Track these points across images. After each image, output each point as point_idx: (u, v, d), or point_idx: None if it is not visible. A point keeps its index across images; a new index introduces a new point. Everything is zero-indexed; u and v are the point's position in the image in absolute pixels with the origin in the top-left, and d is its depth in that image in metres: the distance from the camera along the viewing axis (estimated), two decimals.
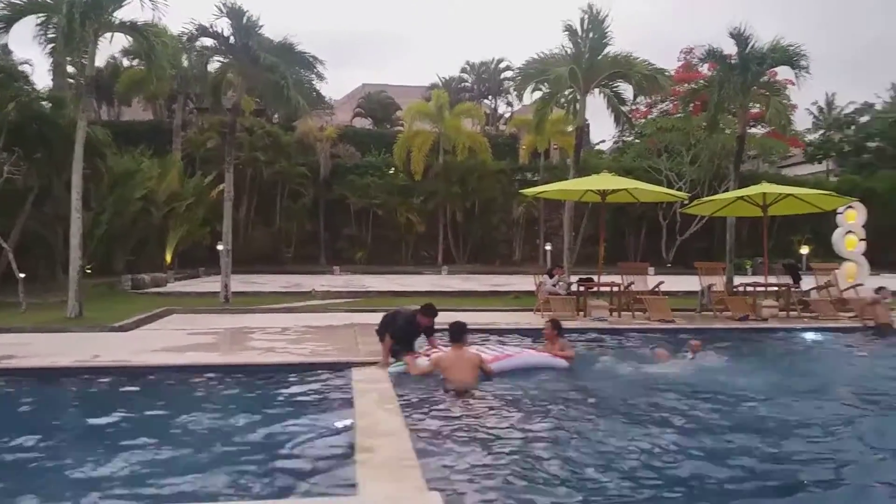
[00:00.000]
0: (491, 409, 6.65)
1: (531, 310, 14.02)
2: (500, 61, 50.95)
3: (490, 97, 52.67)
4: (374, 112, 42.03)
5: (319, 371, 7.89)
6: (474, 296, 17.47)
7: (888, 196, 31.69)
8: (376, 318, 9.11)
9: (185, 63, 22.01)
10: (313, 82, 16.36)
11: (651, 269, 20.71)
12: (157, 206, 21.36)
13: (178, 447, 5.25)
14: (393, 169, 31.09)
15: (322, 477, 4.61)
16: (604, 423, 6.14)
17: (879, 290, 13.16)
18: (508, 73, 46.88)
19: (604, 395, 7.35)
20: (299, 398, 6.92)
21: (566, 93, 17.92)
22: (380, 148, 32.96)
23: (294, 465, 4.87)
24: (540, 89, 17.93)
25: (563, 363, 8.52)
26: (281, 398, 6.93)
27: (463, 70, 52.53)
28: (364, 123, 41.09)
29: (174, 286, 19.67)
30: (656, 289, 14.19)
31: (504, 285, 19.69)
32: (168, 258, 22.98)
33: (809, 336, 12.18)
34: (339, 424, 5.76)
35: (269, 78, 15.36)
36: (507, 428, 5.92)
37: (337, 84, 73.58)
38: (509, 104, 50.29)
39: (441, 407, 6.69)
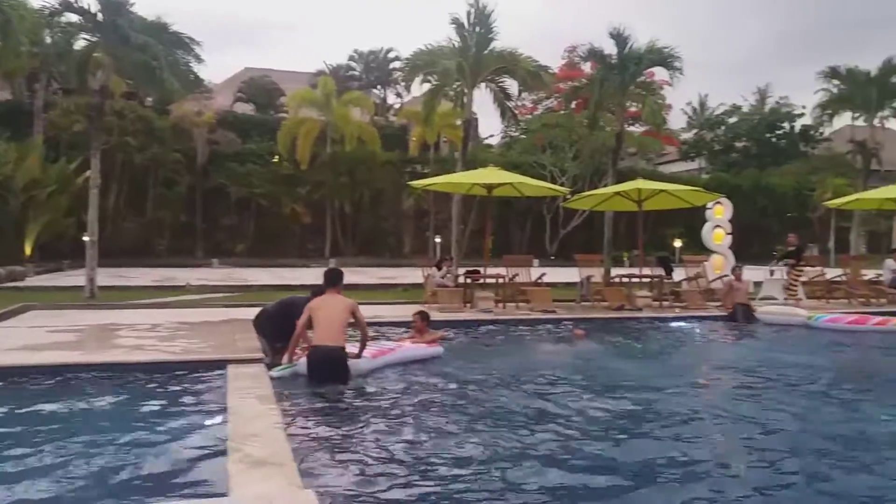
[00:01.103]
0: (369, 404, 6.54)
1: (419, 302, 13.97)
2: (389, 51, 50.54)
3: (379, 87, 52.15)
4: (256, 97, 40.53)
5: (192, 369, 7.46)
6: (362, 289, 17.22)
7: (752, 193, 34.18)
8: (256, 313, 8.69)
9: (48, 39, 20.27)
10: (190, 64, 15.53)
11: (535, 262, 21.26)
12: (13, 194, 19.61)
13: (36, 453, 4.80)
14: (277, 157, 30.13)
15: (193, 478, 4.41)
16: (479, 415, 6.17)
17: (735, 268, 14.19)
18: (397, 64, 46.58)
19: (482, 386, 7.38)
20: (169, 398, 6.51)
21: (454, 86, 17.99)
22: (263, 135, 31.88)
23: (163, 467, 4.61)
24: (429, 81, 17.91)
25: (438, 351, 8.75)
26: (149, 399, 6.49)
27: (351, 58, 51.67)
28: (246, 109, 39.56)
29: (34, 280, 18.15)
30: (539, 280, 14.54)
31: (393, 278, 19.57)
32: (28, 250, 21.18)
33: (679, 324, 12.87)
34: (212, 424, 5.52)
35: (140, 58, 14.39)
36: (385, 424, 5.82)
37: (218, 67, 70.47)
38: (399, 95, 49.99)
39: (319, 405, 6.52)
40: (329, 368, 7.03)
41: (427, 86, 18.27)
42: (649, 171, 35.31)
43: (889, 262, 16.44)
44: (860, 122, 29.38)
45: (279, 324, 7.83)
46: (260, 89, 40.83)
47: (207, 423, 5.58)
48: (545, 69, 16.95)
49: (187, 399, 6.53)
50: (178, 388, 6.90)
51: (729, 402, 6.98)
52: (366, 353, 7.68)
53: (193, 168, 28.58)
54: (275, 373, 7.12)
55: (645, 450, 5.31)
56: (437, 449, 5.13)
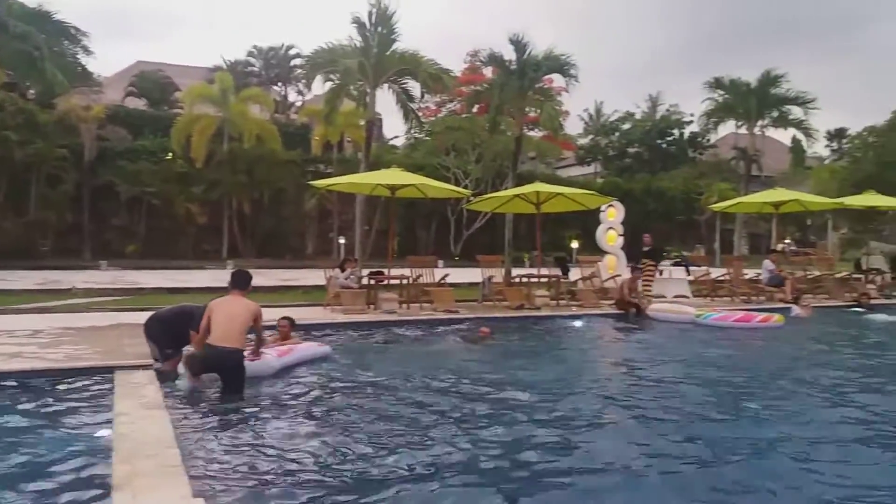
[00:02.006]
0: (263, 410, 6.40)
1: (321, 304, 13.81)
2: (290, 48, 49.56)
3: (280, 84, 51.05)
4: (149, 92, 38.72)
5: (77, 377, 7.09)
6: (261, 291, 16.68)
7: (644, 196, 35.78)
8: (146, 317, 8.31)
9: None
10: (77, 56, 14.67)
11: (440, 262, 21.43)
12: None
13: None
14: (171, 155, 28.82)
15: (75, 491, 4.21)
16: (374, 415, 6.19)
17: (634, 268, 14.88)
18: (298, 61, 45.74)
19: (378, 388, 7.38)
20: (51, 408, 6.16)
21: (356, 85, 17.89)
22: (156, 131, 30.44)
23: (46, 481, 4.39)
24: (331, 79, 17.71)
25: (327, 349, 8.84)
26: (30, 409, 6.11)
27: (250, 54, 50.29)
28: (138, 104, 37.74)
29: None
30: (442, 281, 14.68)
31: (294, 280, 19.17)
32: None
33: (575, 322, 13.34)
34: (98, 434, 5.29)
35: (20, 48, 13.46)
36: (279, 430, 5.72)
37: (108, 60, 67.01)
38: (300, 93, 49.14)
39: (211, 412, 6.34)
40: (224, 372, 6.76)
41: (329, 84, 18.07)
42: (549, 174, 36.36)
43: (766, 262, 17.65)
44: (743, 131, 31.39)
45: (172, 330, 7.51)
46: (153, 84, 39.03)
47: (94, 433, 5.35)
48: (447, 72, 17.15)
49: (70, 408, 6.20)
50: (61, 397, 6.56)
51: (617, 395, 7.31)
52: (271, 352, 7.55)
53: (80, 165, 26.93)
54: (178, 381, 6.87)
55: (546, 446, 5.49)
56: (333, 454, 5.09)
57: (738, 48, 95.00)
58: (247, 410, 6.38)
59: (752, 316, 12.88)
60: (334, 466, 4.83)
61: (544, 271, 16.34)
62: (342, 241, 27.21)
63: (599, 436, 5.85)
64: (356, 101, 19.58)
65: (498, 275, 16.08)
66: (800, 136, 31.47)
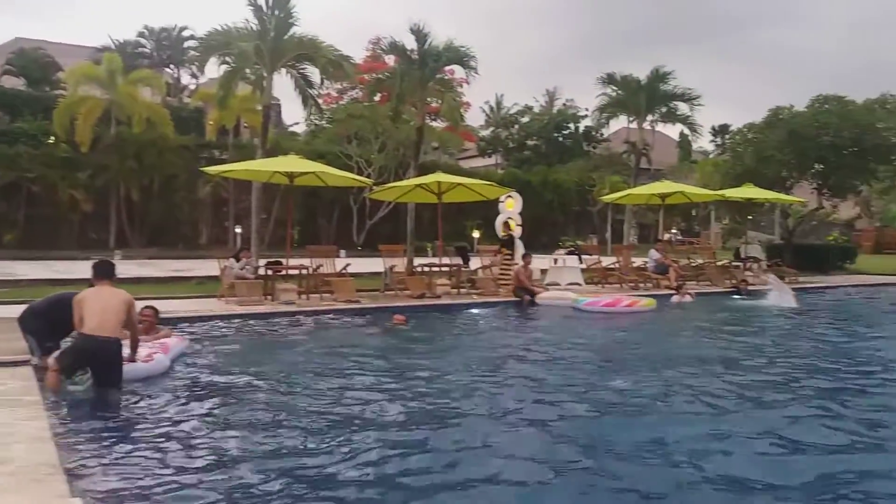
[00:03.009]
0: (143, 408, 6.17)
1: (216, 296, 13.40)
2: (183, 29, 47.36)
3: (172, 66, 48.74)
4: (28, 71, 36.06)
5: None
6: (150, 282, 16.05)
7: (541, 188, 36.71)
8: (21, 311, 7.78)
9: None
10: None
11: (343, 252, 21.21)
12: None
13: None
14: (52, 138, 26.99)
15: None
16: (262, 411, 6.09)
17: (525, 255, 15.34)
18: (192, 43, 43.82)
19: (269, 380, 7.29)
20: None
21: (253, 69, 17.37)
22: (36, 113, 28.42)
23: None
24: (227, 62, 17.12)
25: (187, 343, 8.55)
26: None
27: (140, 34, 47.70)
28: (16, 83, 35.10)
29: None
30: (343, 271, 14.56)
31: (187, 270, 18.42)
32: None
33: (475, 310, 13.62)
34: None
35: None
36: (160, 428, 5.53)
37: None
38: (194, 76, 47.01)
39: (91, 410, 6.07)
40: (101, 364, 6.37)
41: (224, 68, 17.45)
42: (451, 165, 36.67)
43: (652, 251, 18.56)
44: (633, 126, 32.75)
45: (49, 322, 7.07)
46: (33, 62, 36.34)
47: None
48: (347, 59, 16.92)
49: None
50: None
51: (507, 376, 7.73)
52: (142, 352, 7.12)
53: None
54: (73, 386, 6.44)
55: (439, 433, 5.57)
56: (215, 452, 4.96)
57: (632, 46, 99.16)
58: (128, 407, 6.16)
59: (619, 301, 13.83)
60: (217, 468, 4.70)
61: (446, 260, 16.53)
62: (238, 230, 26.40)
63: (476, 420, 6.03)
64: (253, 85, 19.00)
65: (400, 264, 16.13)
66: (686, 131, 33.25)
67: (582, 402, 6.63)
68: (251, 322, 11.14)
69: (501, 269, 16.17)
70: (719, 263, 20.20)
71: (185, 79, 49.33)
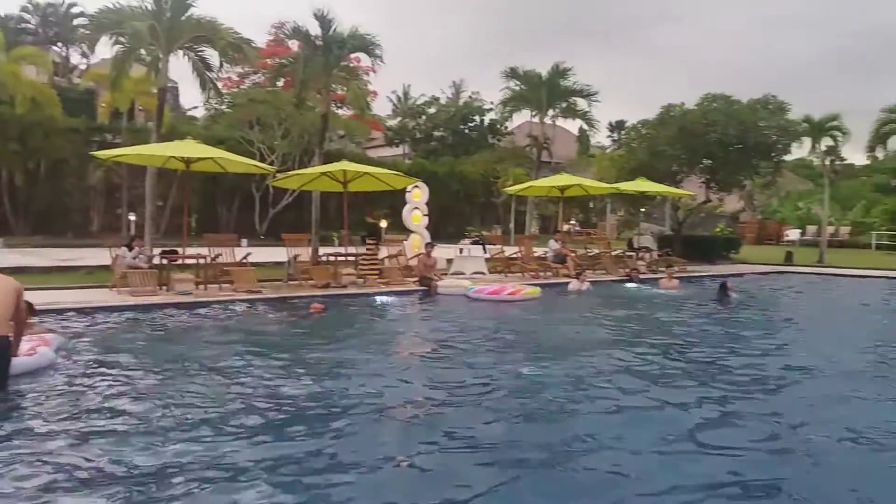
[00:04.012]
0: (31, 407, 5.90)
1: (106, 286, 12.84)
2: (72, 5, 44.71)
3: (60, 44, 45.86)
4: None
5: None
6: (35, 272, 15.13)
7: (447, 179, 37.04)
8: None
9: None
10: None
11: (244, 241, 20.71)
12: None
13: None
14: None
15: None
16: (160, 407, 5.93)
17: (427, 245, 15.55)
18: (82, 21, 41.36)
19: (150, 373, 7.16)
20: None
21: (148, 50, 16.63)
22: None
23: None
24: (120, 42, 16.30)
25: (64, 337, 8.26)
26: None
27: (24, 9, 44.64)
28: None
29: None
30: (243, 260, 14.25)
31: (76, 259, 17.48)
32: None
33: (381, 299, 13.70)
34: None
35: None
36: (50, 428, 5.30)
37: None
38: (85, 55, 44.45)
39: None
40: None
41: (118, 48, 16.60)
42: (358, 153, 36.37)
43: (552, 241, 19.19)
44: (536, 120, 33.55)
45: None
46: None
47: None
48: (248, 42, 16.46)
49: None
50: None
51: (405, 362, 8.10)
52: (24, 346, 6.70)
53: None
54: None
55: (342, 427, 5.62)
56: (108, 453, 4.80)
57: (537, 41, 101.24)
58: (14, 407, 5.86)
59: (503, 289, 14.38)
60: (111, 469, 4.56)
61: (352, 250, 16.47)
62: (132, 217, 25.17)
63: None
64: (148, 66, 18.18)
65: (305, 254, 15.92)
66: (585, 126, 34.39)
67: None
68: (144, 313, 10.77)
69: (365, 258, 16.03)
70: (614, 253, 21.14)
71: (75, 58, 46.52)
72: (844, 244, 36.70)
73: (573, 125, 41.26)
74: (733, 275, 18.80)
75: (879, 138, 26.69)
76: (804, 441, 5.40)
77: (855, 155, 77.70)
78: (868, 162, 44.08)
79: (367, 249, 16.31)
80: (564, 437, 5.39)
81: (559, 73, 29.38)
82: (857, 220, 41.58)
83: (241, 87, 35.16)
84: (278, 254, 16.83)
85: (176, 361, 7.59)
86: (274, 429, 5.35)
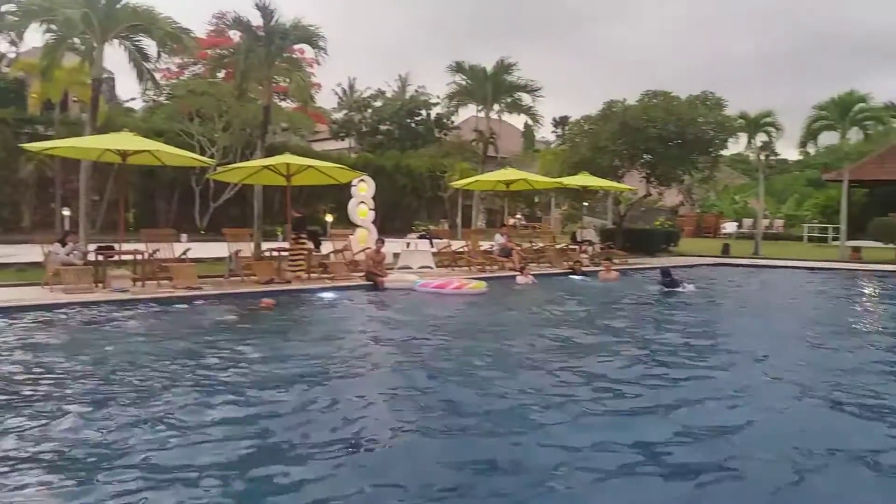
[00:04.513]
0: None
1: (37, 284, 12.36)
2: None
3: None
4: None
5: None
6: None
7: (394, 172, 36.91)
8: None
9: None
10: None
11: (184, 237, 20.23)
12: None
13: None
14: None
15: None
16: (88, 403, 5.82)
17: (377, 240, 15.49)
18: (10, 7, 39.52)
19: (84, 368, 7.06)
20: None
21: (82, 39, 16.03)
22: None
23: None
24: (51, 30, 15.66)
25: None
26: None
27: None
28: None
29: None
30: (183, 256, 13.92)
31: (7, 256, 16.75)
32: None
33: (326, 295, 13.54)
34: None
35: None
36: None
37: None
38: (13, 43, 42.45)
39: None
40: None
41: (49, 36, 15.95)
42: (303, 147, 35.84)
43: (497, 235, 19.36)
44: (482, 114, 33.77)
45: None
46: None
47: None
48: (187, 32, 16.01)
49: None
50: None
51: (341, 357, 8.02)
52: None
53: None
54: None
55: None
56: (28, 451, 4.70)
57: (483, 36, 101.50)
58: None
59: (448, 283, 14.51)
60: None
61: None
62: (66, 212, 24.28)
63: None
64: (82, 56, 17.50)
65: (247, 249, 15.61)
66: (530, 121, 34.80)
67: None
68: (78, 311, 10.43)
69: (293, 253, 15.49)
70: (558, 247, 21.46)
71: (3, 47, 44.34)
72: (779, 236, 38.10)
73: (518, 120, 41.68)
74: (675, 266, 19.31)
75: (811, 134, 27.76)
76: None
77: (788, 150, 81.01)
78: (800, 157, 45.99)
79: (294, 244, 15.65)
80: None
81: (504, 68, 29.62)
82: (790, 213, 43.23)
83: (181, 78, 34.25)
84: (219, 249, 16.48)
85: (104, 362, 7.37)
86: (205, 433, 5.24)
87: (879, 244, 26.20)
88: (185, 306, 11.59)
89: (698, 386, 6.96)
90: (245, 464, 4.55)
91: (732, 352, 8.84)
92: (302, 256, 15.40)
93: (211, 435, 5.05)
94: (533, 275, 16.76)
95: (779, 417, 5.89)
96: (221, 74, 28.70)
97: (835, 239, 31.92)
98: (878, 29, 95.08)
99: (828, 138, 28.94)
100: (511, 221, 28.95)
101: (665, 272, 15.37)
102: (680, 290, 14.92)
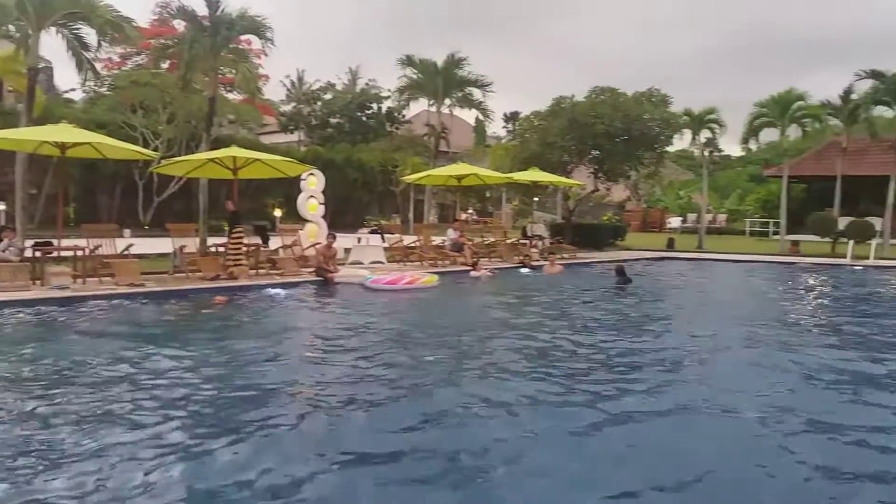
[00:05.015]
0: None
1: None
2: None
3: None
4: None
5: None
6: None
7: (344, 166, 36.58)
8: None
9: None
10: None
11: (127, 232, 19.65)
12: None
13: None
14: None
15: None
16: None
17: (329, 235, 15.36)
18: None
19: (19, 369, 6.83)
20: None
21: (17, 26, 15.39)
22: None
23: None
24: None
25: None
26: None
27: None
28: None
29: None
30: (126, 252, 13.52)
31: None
32: None
33: (274, 291, 13.32)
34: None
35: None
36: None
37: None
38: None
39: None
40: None
41: None
42: (251, 139, 35.19)
43: (450, 230, 19.40)
44: (433, 109, 33.73)
45: None
46: None
47: None
48: (129, 21, 15.51)
49: None
50: None
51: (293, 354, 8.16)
52: None
53: None
54: None
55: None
56: None
57: (436, 30, 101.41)
58: None
59: (401, 278, 14.53)
60: None
61: (244, 240, 15.92)
62: (2, 206, 23.32)
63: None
64: (17, 44, 16.80)
65: (192, 244, 15.25)
66: (481, 116, 34.93)
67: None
68: (13, 310, 10.02)
69: (231, 249, 14.63)
70: (509, 241, 21.63)
71: None
72: (722, 231, 39.20)
73: (470, 115, 41.83)
74: (622, 260, 19.68)
75: (752, 131, 28.65)
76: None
77: (731, 146, 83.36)
78: (743, 153, 47.37)
79: (230, 240, 14.65)
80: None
81: (454, 62, 29.64)
82: (732, 207, 44.52)
83: (123, 68, 33.22)
84: (164, 245, 16.06)
85: (43, 358, 7.15)
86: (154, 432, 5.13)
87: (817, 238, 27.21)
88: (127, 303, 11.26)
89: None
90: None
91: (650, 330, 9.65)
92: (240, 252, 14.92)
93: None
94: (486, 269, 16.89)
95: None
96: (165, 65, 27.92)
97: (775, 233, 32.99)
98: (814, 29, 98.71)
99: (768, 135, 29.95)
100: (463, 216, 29.03)
101: (620, 271, 15.73)
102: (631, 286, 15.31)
